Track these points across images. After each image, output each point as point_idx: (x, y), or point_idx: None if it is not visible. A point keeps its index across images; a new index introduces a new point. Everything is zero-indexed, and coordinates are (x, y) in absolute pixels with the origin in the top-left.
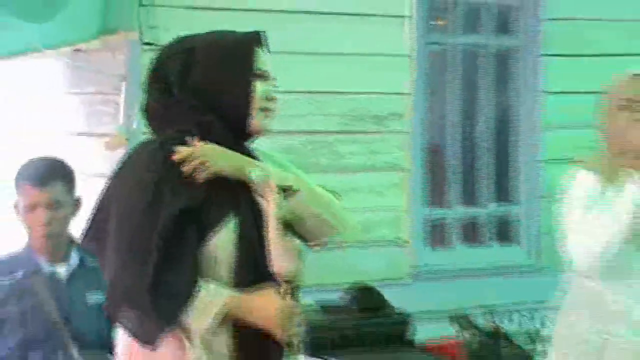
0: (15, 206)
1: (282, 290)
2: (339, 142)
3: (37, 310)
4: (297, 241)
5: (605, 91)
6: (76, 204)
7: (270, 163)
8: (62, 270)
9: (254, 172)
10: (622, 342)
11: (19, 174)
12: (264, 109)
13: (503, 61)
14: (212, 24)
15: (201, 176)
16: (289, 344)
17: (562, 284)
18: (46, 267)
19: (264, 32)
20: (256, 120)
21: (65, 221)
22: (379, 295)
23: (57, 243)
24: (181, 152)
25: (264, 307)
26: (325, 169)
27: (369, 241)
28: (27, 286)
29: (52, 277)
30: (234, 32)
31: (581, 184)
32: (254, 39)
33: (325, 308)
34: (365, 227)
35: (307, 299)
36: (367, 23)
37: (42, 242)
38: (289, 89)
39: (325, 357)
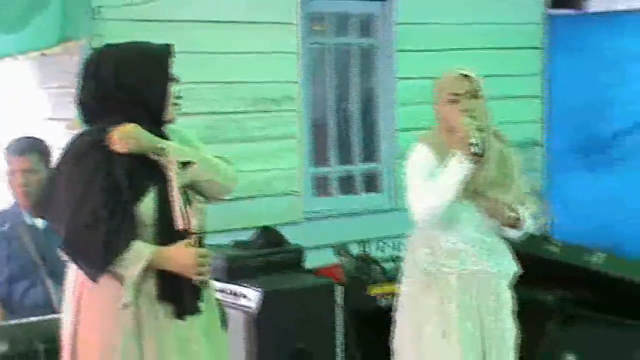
0: (5, 173)
1: (191, 241)
2: (245, 119)
3: (21, 252)
4: (200, 201)
5: (437, 85)
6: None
7: (179, 137)
8: (39, 223)
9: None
10: (454, 271)
11: (6, 147)
12: (175, 104)
13: (367, 56)
14: (146, 34)
15: (126, 149)
16: (202, 282)
17: (410, 226)
18: (28, 219)
19: (173, 45)
20: (170, 112)
21: (41, 185)
22: (279, 234)
23: (35, 202)
24: (113, 134)
25: (178, 257)
26: (237, 140)
27: (270, 193)
28: (14, 234)
29: (33, 227)
30: (150, 43)
31: (420, 156)
32: (168, 50)
33: (238, 245)
34: (267, 183)
35: (224, 239)
36: (264, 29)
37: (23, 200)
38: (207, 80)
39: (239, 282)
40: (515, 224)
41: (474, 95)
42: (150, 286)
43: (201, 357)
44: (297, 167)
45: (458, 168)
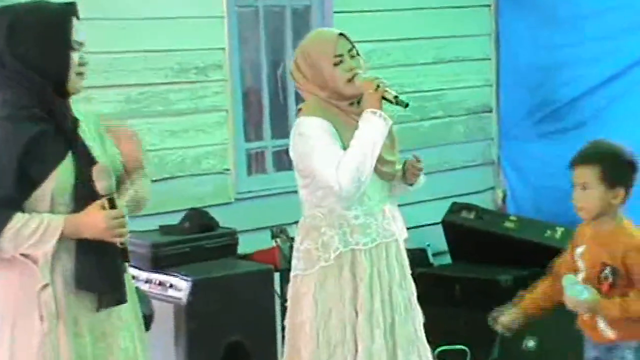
0: None
1: (101, 204)
2: (170, 91)
3: None
4: (104, 164)
5: (311, 49)
6: None
7: (86, 120)
8: None
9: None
10: (366, 248)
11: None
12: (79, 73)
13: (301, 18)
14: None
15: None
16: (122, 248)
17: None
18: None
19: (76, 3)
20: (73, 82)
21: None
22: (209, 216)
23: None
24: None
25: (91, 221)
26: (160, 114)
27: (199, 172)
28: None
29: None
30: (50, 3)
31: (317, 125)
32: (70, 11)
33: (164, 230)
34: (195, 160)
35: (148, 224)
36: None
37: None
38: (125, 49)
39: (166, 271)
40: (417, 176)
41: (355, 54)
42: (68, 259)
43: (122, 353)
44: (228, 142)
45: (378, 124)
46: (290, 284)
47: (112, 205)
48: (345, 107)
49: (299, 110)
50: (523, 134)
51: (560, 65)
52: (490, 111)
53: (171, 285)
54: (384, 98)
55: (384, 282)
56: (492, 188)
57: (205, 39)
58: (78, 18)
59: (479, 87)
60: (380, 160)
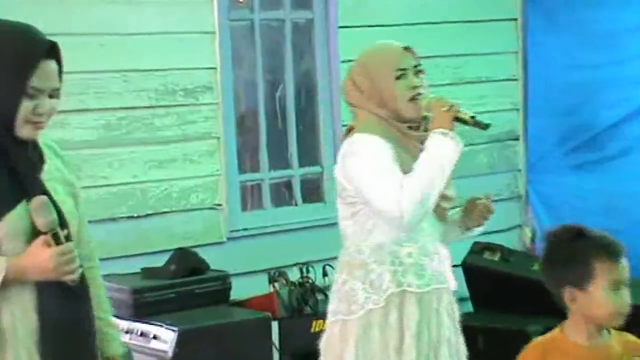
0: None
1: (47, 240)
2: (153, 116)
3: None
4: (43, 197)
5: (371, 62)
6: None
7: (52, 153)
8: None
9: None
10: (418, 291)
11: None
12: (32, 122)
13: (303, 34)
14: (30, 9)
15: None
16: (75, 282)
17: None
18: None
19: (56, 44)
20: (22, 130)
21: None
22: (199, 258)
23: None
24: None
25: (37, 262)
26: (143, 142)
27: (186, 207)
28: None
29: None
30: (27, 33)
31: (375, 146)
32: (39, 53)
33: (147, 273)
34: (183, 194)
35: (130, 267)
36: (174, 4)
37: None
38: (104, 69)
39: (149, 320)
40: (486, 219)
41: (420, 70)
42: (25, 299)
43: None
44: (220, 173)
45: (448, 147)
46: (327, 332)
47: (57, 241)
48: (405, 130)
49: (349, 129)
50: (554, 165)
51: (598, 87)
52: (517, 139)
53: (155, 336)
54: (457, 119)
55: (432, 333)
56: (519, 226)
57: (193, 57)
58: (58, 61)
59: (504, 112)
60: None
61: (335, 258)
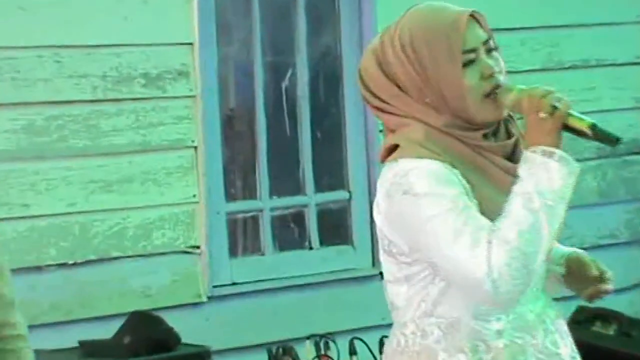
0: None
1: None
2: (99, 115)
3: None
4: None
5: (427, 39)
6: None
7: None
8: None
9: None
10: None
11: None
12: None
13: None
14: None
15: None
16: None
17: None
18: None
19: None
20: None
21: None
22: (165, 326)
23: None
24: None
25: None
26: (83, 153)
27: (149, 250)
28: None
29: None
30: None
31: (438, 178)
32: None
33: (90, 347)
34: (143, 232)
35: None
36: None
37: None
38: (25, 45)
39: None
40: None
41: (493, 47)
42: None
43: None
44: (197, 201)
45: (557, 174)
46: None
47: None
48: (479, 142)
49: (391, 148)
50: None
51: None
52: None
53: None
54: (567, 128)
55: None
56: None
57: (160, 27)
58: None
59: (622, 111)
60: None
61: (369, 328)
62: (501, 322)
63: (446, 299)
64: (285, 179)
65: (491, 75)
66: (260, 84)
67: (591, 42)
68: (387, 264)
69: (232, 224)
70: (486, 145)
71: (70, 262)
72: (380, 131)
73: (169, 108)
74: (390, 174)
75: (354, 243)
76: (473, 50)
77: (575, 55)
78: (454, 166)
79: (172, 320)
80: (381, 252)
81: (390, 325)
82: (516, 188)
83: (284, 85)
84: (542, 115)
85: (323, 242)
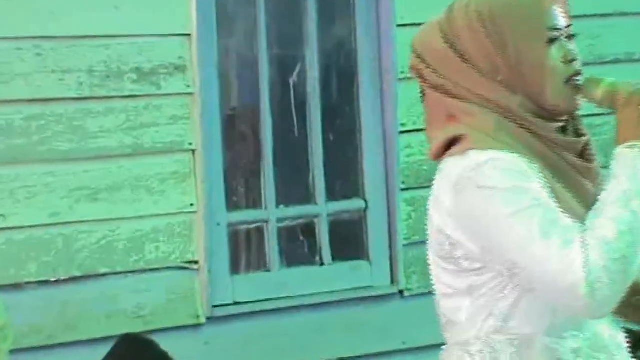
0: None
1: None
2: (85, 115)
3: None
4: None
5: (512, 13)
6: None
7: None
8: None
9: None
10: None
11: None
12: None
13: None
14: None
15: None
16: None
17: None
18: None
19: None
20: None
21: None
22: (158, 350)
23: None
24: None
25: None
26: (66, 157)
27: (140, 266)
28: None
29: None
30: None
31: (517, 173)
32: None
33: None
34: (135, 245)
35: None
36: None
37: None
38: (2, 35)
39: None
40: None
41: (572, 34)
42: None
43: None
44: (195, 210)
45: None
46: None
47: None
48: (550, 134)
49: (454, 139)
50: None
51: None
52: None
53: None
54: None
55: None
56: None
57: (154, 17)
58: None
59: None
60: None
61: (388, 354)
62: (578, 340)
63: (518, 312)
64: (293, 186)
65: (573, 60)
66: (265, 80)
67: (636, 34)
68: (443, 275)
69: (234, 236)
70: (560, 140)
71: (53, 279)
72: (401, 132)
73: (163, 107)
74: (457, 168)
75: (371, 258)
76: (557, 29)
77: (618, 48)
78: (531, 160)
79: (167, 344)
80: (434, 260)
81: (412, 350)
82: (612, 186)
83: (292, 81)
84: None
85: (336, 257)
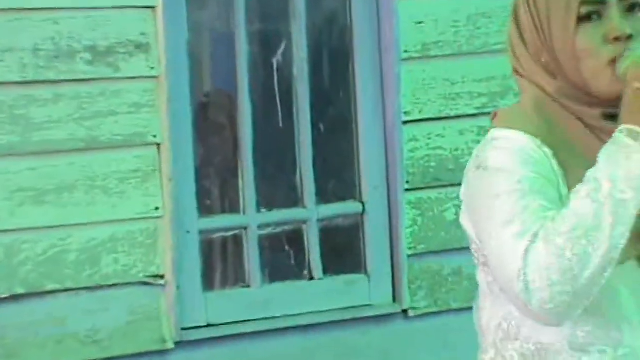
0: None
1: None
2: (30, 101)
3: None
4: None
5: None
6: None
7: None
8: None
9: None
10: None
11: None
12: None
13: None
14: None
15: None
16: None
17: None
18: None
19: None
20: None
21: None
22: None
23: None
24: None
25: None
26: (6, 153)
27: (96, 281)
28: None
29: None
30: None
31: (517, 155)
32: None
33: None
34: (88, 257)
35: None
36: None
37: None
38: None
39: None
40: None
41: (633, 4)
42: None
43: None
44: (161, 215)
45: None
46: None
47: None
48: (593, 121)
49: (495, 115)
50: None
51: None
52: None
53: None
54: None
55: None
56: None
57: None
58: None
59: None
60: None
61: None
62: (606, 357)
63: (529, 319)
64: (277, 187)
65: (617, 39)
66: (244, 61)
67: None
68: (480, 281)
69: (208, 246)
70: (604, 127)
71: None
72: (404, 123)
73: (123, 92)
74: (481, 145)
75: (369, 271)
76: (597, 3)
77: None
78: (546, 144)
79: None
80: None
81: None
82: (588, 173)
83: (275, 62)
84: (637, 85)
85: (328, 270)
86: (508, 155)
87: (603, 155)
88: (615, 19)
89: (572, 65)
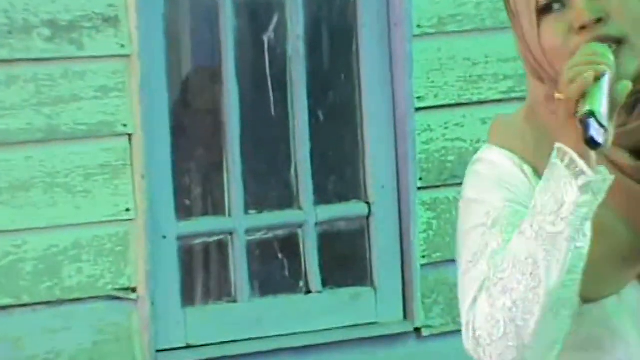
0: None
1: None
2: None
3: None
4: None
5: None
6: None
7: None
8: None
9: None
10: None
11: None
12: None
13: None
14: None
15: None
16: None
17: None
18: None
19: None
20: None
21: None
22: None
23: None
24: None
25: None
26: None
27: (57, 297)
28: None
29: None
30: None
31: (492, 174)
32: None
33: None
34: (49, 267)
35: None
36: None
37: None
38: None
39: None
40: None
41: None
42: None
43: None
44: (133, 217)
45: (571, 195)
46: None
47: None
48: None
49: (493, 122)
50: None
51: None
52: None
53: None
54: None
55: None
56: None
57: None
58: None
59: None
60: None
61: None
62: None
63: None
64: (268, 185)
65: (583, 27)
66: (229, 37)
67: None
68: None
69: (187, 253)
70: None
71: None
72: (417, 109)
73: (88, 74)
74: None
75: (376, 284)
76: None
77: None
78: (529, 160)
79: None
80: None
81: None
82: (530, 211)
83: (266, 39)
84: (556, 95)
85: (328, 282)
86: (482, 182)
87: (539, 191)
88: (578, 4)
89: (548, 65)
